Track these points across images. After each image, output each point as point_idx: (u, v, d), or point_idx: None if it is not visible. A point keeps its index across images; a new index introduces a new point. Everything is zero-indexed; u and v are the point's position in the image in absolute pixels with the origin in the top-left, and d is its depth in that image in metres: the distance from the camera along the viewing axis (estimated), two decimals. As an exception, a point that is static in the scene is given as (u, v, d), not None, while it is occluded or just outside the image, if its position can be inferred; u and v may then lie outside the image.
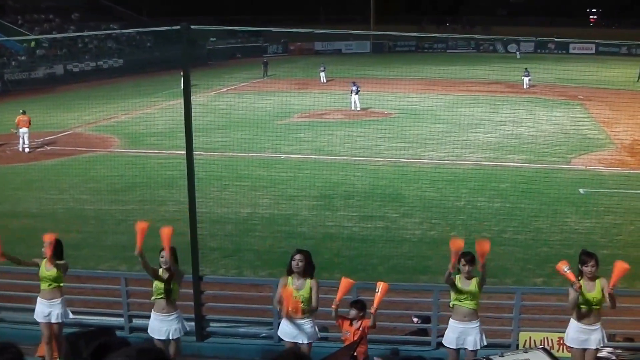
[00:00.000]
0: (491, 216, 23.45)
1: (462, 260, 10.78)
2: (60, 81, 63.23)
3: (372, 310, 10.42)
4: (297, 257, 10.78)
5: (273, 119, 40.32)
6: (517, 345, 12.51)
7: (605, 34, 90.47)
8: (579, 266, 10.61)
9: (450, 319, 11.08)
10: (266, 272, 18.01)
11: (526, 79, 58.18)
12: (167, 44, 70.91)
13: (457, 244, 10.55)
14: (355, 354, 10.17)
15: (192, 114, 12.65)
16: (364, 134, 36.82)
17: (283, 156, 31.76)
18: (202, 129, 32.68)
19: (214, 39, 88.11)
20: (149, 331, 11.39)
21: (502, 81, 57.02)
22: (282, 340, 11.25)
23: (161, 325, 11.22)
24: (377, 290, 10.44)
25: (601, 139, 37.64)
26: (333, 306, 10.52)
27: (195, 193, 12.63)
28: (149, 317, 11.49)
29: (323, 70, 60.81)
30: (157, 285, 11.11)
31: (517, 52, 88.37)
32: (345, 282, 10.60)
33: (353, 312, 10.67)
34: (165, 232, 10.70)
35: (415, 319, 14.00)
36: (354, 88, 45.46)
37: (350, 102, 45.33)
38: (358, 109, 45.11)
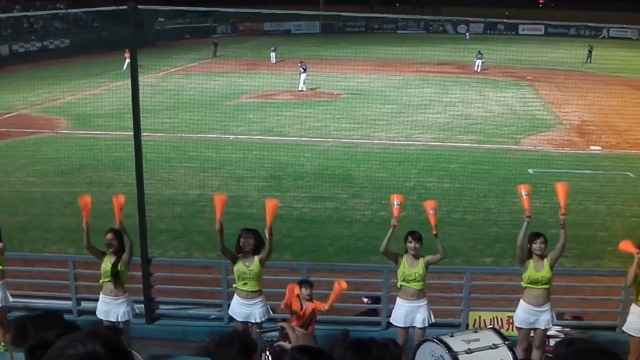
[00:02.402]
0: (441, 196, 23.48)
1: (409, 237, 10.83)
2: (5, 62, 62.13)
3: (327, 307, 10.38)
4: (246, 235, 10.77)
5: (222, 100, 40.03)
6: (467, 325, 12.60)
7: (554, 15, 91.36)
8: (528, 245, 10.73)
9: (398, 298, 11.14)
10: (216, 253, 17.76)
11: (479, 62, 58.37)
12: (115, 24, 70.03)
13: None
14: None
15: (140, 95, 12.50)
16: (314, 114, 36.78)
17: (232, 137, 31.61)
18: (151, 110, 32.33)
19: (162, 19, 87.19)
20: (97, 314, 11.30)
21: (452, 62, 57.29)
22: (232, 321, 11.22)
23: (109, 308, 11.15)
24: (335, 288, 10.39)
25: (550, 119, 38.02)
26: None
27: (143, 175, 12.52)
28: (97, 300, 11.41)
29: (273, 51, 60.57)
30: (105, 268, 11.02)
31: (467, 33, 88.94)
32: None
33: (304, 292, 10.64)
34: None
35: (365, 300, 14.02)
36: (302, 68, 45.31)
37: (298, 83, 45.20)
38: (304, 89, 44.94)
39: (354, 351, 4.59)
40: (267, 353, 3.52)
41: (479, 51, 58.32)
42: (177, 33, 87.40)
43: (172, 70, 54.67)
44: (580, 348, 1.93)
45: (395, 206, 10.84)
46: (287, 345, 3.68)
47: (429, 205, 10.90)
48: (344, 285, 10.31)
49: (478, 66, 58.18)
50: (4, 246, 11.68)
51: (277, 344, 3.73)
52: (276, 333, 3.98)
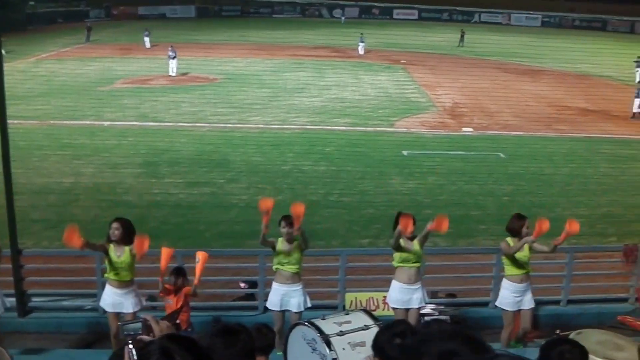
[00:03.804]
0: (317, 179, 23.71)
1: (282, 222, 10.86)
2: None
3: (195, 281, 10.37)
4: (114, 225, 10.61)
5: (96, 86, 39.32)
6: (344, 307, 12.72)
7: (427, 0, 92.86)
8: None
9: (273, 282, 11.16)
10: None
11: (361, 45, 58.78)
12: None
13: (266, 203, 10.63)
14: (178, 321, 10.11)
15: (10, 82, 12.18)
16: (189, 99, 36.46)
17: (106, 123, 31.03)
18: (22, 97, 31.67)
19: (33, 2, 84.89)
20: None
21: (328, 46, 57.60)
22: (106, 312, 11.07)
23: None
24: (196, 260, 10.39)
25: (423, 102, 38.67)
26: (160, 279, 10.44)
27: (10, 163, 12.15)
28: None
29: (147, 35, 59.63)
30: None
31: (342, 18, 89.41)
32: (165, 252, 10.47)
33: (179, 281, 10.58)
34: None
35: (242, 284, 14.02)
36: (171, 53, 44.70)
37: (169, 68, 44.61)
38: (175, 74, 44.43)
39: (221, 336, 4.59)
40: (131, 347, 3.47)
41: (362, 34, 58.85)
42: (49, 17, 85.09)
43: (45, 55, 53.29)
44: (427, 333, 1.90)
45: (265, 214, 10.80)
46: (147, 338, 3.63)
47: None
48: (205, 254, 10.37)
49: (362, 49, 58.60)
50: None
51: (138, 337, 3.66)
52: (139, 325, 3.92)
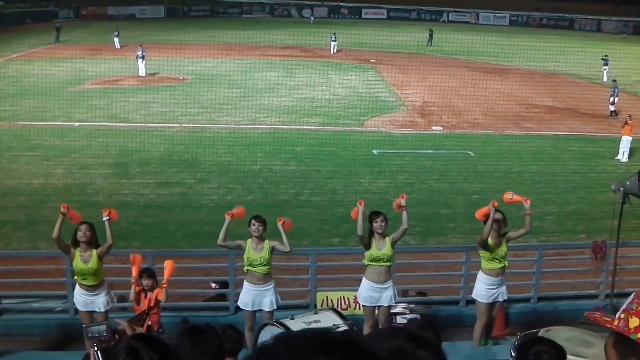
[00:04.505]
0: (287, 179, 23.77)
1: (253, 221, 10.96)
2: None
3: (164, 285, 10.41)
4: (83, 227, 10.61)
5: (65, 86, 39.12)
6: (315, 305, 12.78)
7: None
8: (369, 224, 10.99)
9: (245, 282, 11.22)
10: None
11: (333, 44, 59.01)
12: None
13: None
14: (149, 323, 10.16)
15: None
16: (159, 99, 36.37)
17: (77, 124, 30.90)
18: (-10, 98, 31.48)
19: (2, 2, 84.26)
20: None
21: (297, 45, 57.65)
22: (78, 313, 11.08)
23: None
24: (164, 267, 10.47)
25: (393, 101, 38.83)
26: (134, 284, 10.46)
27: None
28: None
29: (117, 36, 59.32)
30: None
31: (311, 17, 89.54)
32: (135, 258, 10.58)
33: (145, 282, 10.59)
34: None
35: (213, 285, 14.06)
36: (139, 53, 44.55)
37: (138, 68, 44.46)
38: (144, 74, 44.29)
39: (188, 336, 4.66)
40: (96, 348, 3.52)
41: (334, 33, 59.03)
42: (18, 17, 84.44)
43: (14, 56, 52.91)
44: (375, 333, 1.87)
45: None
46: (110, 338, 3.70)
47: None
48: (172, 263, 10.50)
49: (333, 48, 58.76)
50: None
51: (103, 338, 3.73)
52: (104, 327, 3.97)
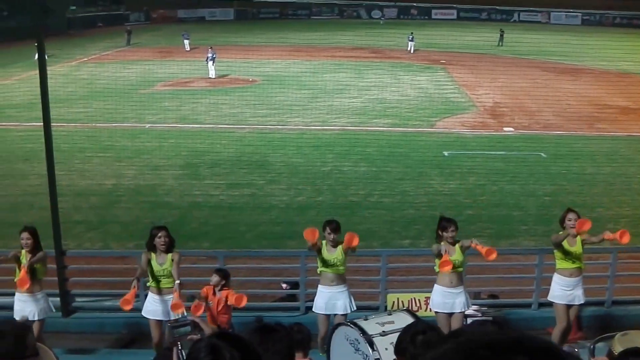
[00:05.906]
0: (357, 180, 23.69)
1: (327, 228, 10.86)
2: None
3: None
4: (161, 234, 10.64)
5: (136, 88, 39.56)
6: (385, 307, 12.69)
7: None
8: (439, 232, 10.84)
9: (319, 285, 11.15)
10: (133, 243, 17.64)
11: (410, 44, 59.07)
12: (24, 12, 68.27)
13: (311, 235, 10.57)
14: (218, 323, 10.18)
15: (53, 85, 12.29)
16: (229, 101, 36.53)
17: (147, 126, 31.26)
18: (64, 100, 31.98)
19: (74, 7, 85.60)
20: (14, 314, 11.03)
21: (366, 47, 57.56)
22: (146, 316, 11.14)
23: (25, 307, 10.89)
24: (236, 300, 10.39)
25: (463, 102, 38.49)
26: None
27: (54, 165, 12.29)
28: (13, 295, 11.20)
29: (187, 38, 59.92)
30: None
31: (381, 19, 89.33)
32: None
33: (215, 279, 10.59)
34: None
35: (284, 285, 14.06)
36: (210, 55, 44.93)
37: (208, 70, 44.84)
38: (214, 76, 44.63)
39: (259, 333, 4.62)
40: (180, 347, 3.50)
41: (411, 33, 59.04)
42: (90, 21, 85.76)
43: (86, 59, 53.77)
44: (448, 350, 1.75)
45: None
46: (196, 337, 3.67)
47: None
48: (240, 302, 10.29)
49: (411, 48, 58.73)
50: None
51: (188, 337, 3.71)
52: (188, 328, 3.97)
